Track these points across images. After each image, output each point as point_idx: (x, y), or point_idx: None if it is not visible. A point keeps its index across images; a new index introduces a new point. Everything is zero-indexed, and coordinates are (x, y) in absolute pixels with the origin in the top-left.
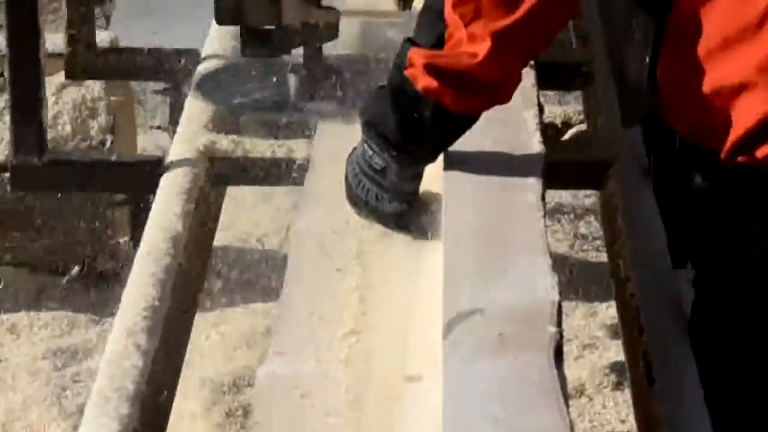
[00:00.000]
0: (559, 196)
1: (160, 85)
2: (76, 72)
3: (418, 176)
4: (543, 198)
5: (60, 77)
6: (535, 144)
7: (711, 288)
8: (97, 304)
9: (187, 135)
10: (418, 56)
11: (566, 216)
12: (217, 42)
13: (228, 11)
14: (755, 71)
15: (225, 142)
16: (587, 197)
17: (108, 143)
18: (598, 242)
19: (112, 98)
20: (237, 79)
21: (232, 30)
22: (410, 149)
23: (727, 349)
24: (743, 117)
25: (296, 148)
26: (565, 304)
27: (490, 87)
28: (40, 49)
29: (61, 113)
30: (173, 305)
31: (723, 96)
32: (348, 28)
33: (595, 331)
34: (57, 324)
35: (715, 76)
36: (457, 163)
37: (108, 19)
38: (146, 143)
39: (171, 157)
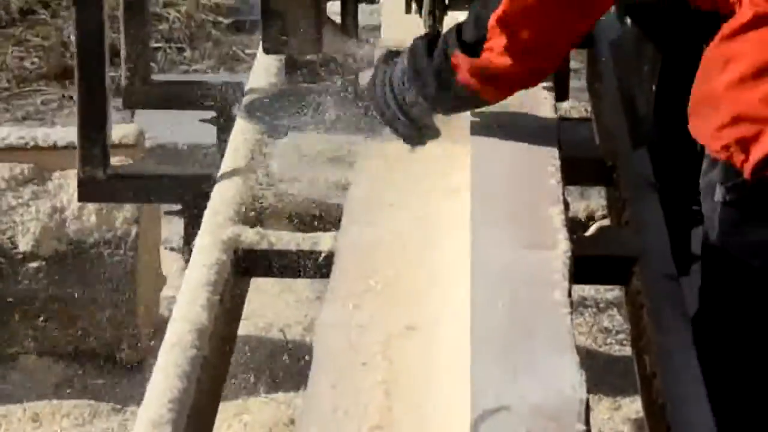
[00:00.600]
0: (581, 290)
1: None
2: (133, 101)
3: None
4: (569, 294)
5: None
6: (561, 242)
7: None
8: (119, 394)
9: (212, 227)
10: (461, 61)
11: (589, 309)
12: (263, 71)
13: (274, 42)
14: None
15: (250, 234)
16: (609, 291)
17: (132, 234)
18: (622, 336)
19: None
20: (280, 104)
21: (277, 60)
22: (437, 106)
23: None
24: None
25: (321, 241)
26: (590, 398)
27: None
28: (105, 74)
29: (86, 204)
30: (198, 397)
31: (750, 120)
32: None
33: (619, 425)
34: (79, 413)
35: (747, 100)
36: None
37: (133, 112)
38: (170, 234)
39: (196, 249)
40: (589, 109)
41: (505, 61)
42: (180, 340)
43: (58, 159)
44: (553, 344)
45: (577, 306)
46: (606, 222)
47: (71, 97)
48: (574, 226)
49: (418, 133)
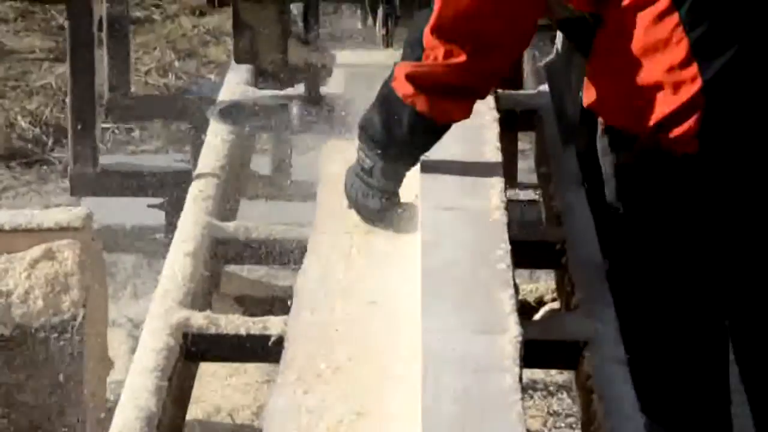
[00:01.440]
0: (531, 372)
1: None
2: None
3: (399, 177)
4: (520, 380)
5: (32, 252)
6: (511, 326)
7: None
8: None
9: (161, 309)
10: (400, 69)
11: (539, 392)
12: (234, 80)
13: (244, 53)
14: (665, 74)
15: (199, 318)
16: (559, 373)
17: (80, 318)
18: (571, 419)
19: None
20: (250, 108)
21: (246, 69)
22: (391, 148)
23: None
24: (659, 107)
25: (271, 325)
26: None
27: (461, 89)
28: (95, 81)
29: (33, 288)
30: None
31: (643, 92)
32: (339, 75)
33: None
34: None
35: (638, 77)
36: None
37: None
38: (117, 315)
39: (145, 332)
40: (538, 191)
41: (450, 60)
42: (127, 427)
43: (4, 242)
44: None
45: (526, 389)
46: (555, 305)
47: (17, 178)
48: (524, 310)
49: (387, 200)
